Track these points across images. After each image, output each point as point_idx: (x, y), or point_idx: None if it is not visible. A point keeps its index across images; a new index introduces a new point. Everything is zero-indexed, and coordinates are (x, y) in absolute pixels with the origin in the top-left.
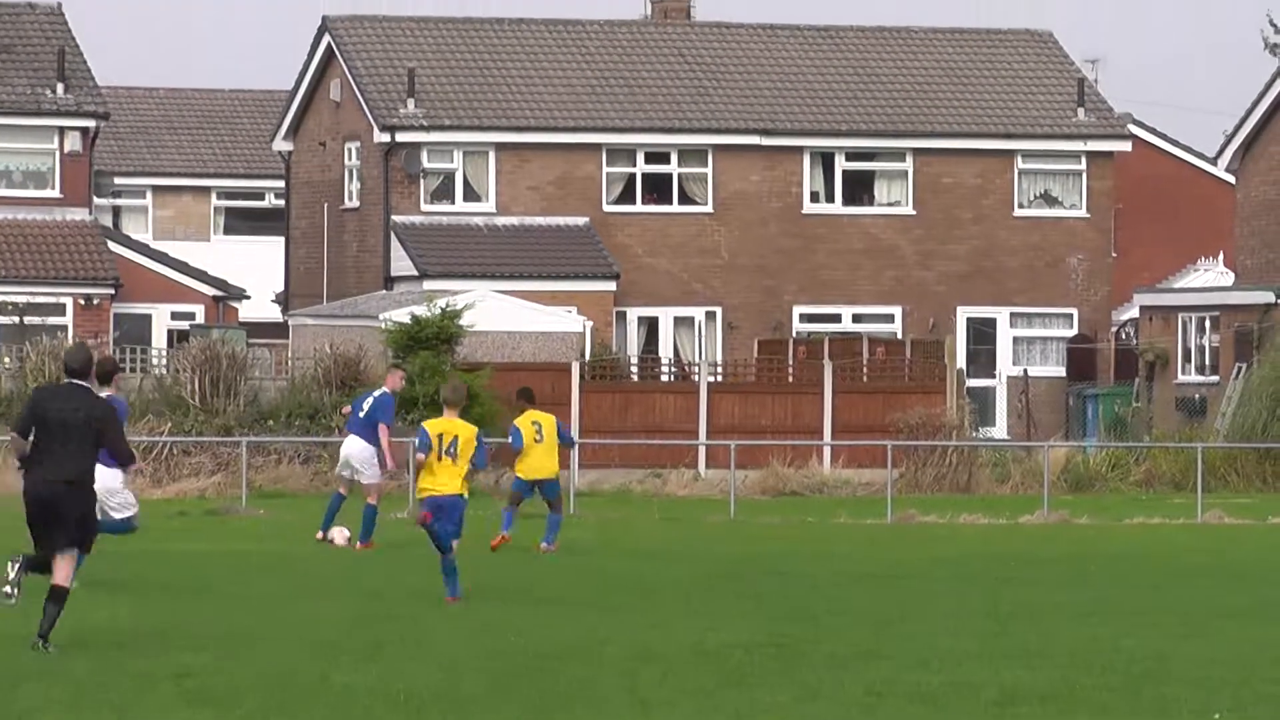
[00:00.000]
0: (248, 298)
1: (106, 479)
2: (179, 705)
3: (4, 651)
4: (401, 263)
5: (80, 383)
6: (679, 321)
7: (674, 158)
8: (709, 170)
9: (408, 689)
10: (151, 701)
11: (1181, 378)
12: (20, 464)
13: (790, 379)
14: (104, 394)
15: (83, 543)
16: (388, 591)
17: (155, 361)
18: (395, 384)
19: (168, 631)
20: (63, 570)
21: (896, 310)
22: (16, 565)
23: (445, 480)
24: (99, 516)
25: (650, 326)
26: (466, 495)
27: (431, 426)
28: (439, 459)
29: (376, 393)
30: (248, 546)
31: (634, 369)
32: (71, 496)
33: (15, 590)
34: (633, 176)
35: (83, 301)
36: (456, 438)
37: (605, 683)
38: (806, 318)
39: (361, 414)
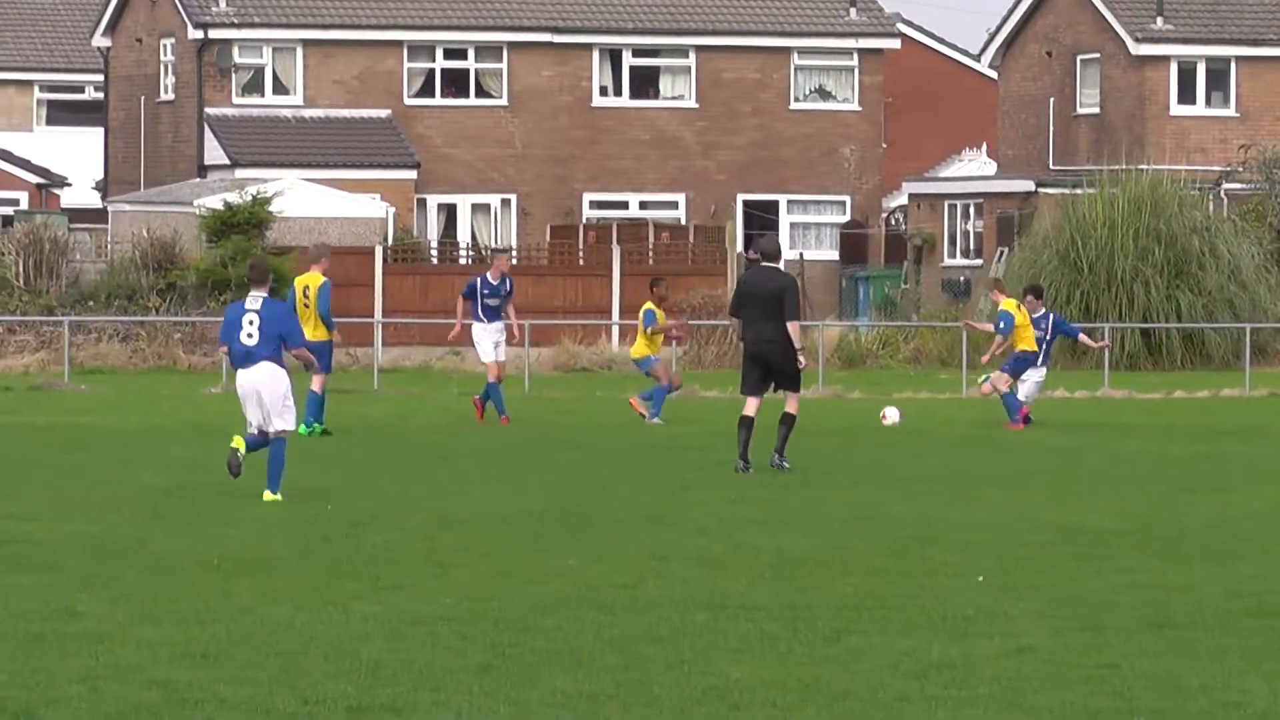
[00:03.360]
0: (69, 185)
1: None
2: (2, 570)
3: None
4: (214, 152)
5: (772, 265)
6: (476, 208)
7: (471, 54)
8: (504, 66)
9: (221, 553)
10: None
11: (947, 261)
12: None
13: (581, 262)
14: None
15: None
16: (205, 462)
17: None
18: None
19: None
20: (792, 403)
21: (680, 197)
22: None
23: None
24: None
25: (449, 213)
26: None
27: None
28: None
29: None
30: (70, 420)
31: (434, 253)
32: (774, 351)
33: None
34: (432, 72)
35: None
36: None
37: (407, 546)
38: (596, 204)
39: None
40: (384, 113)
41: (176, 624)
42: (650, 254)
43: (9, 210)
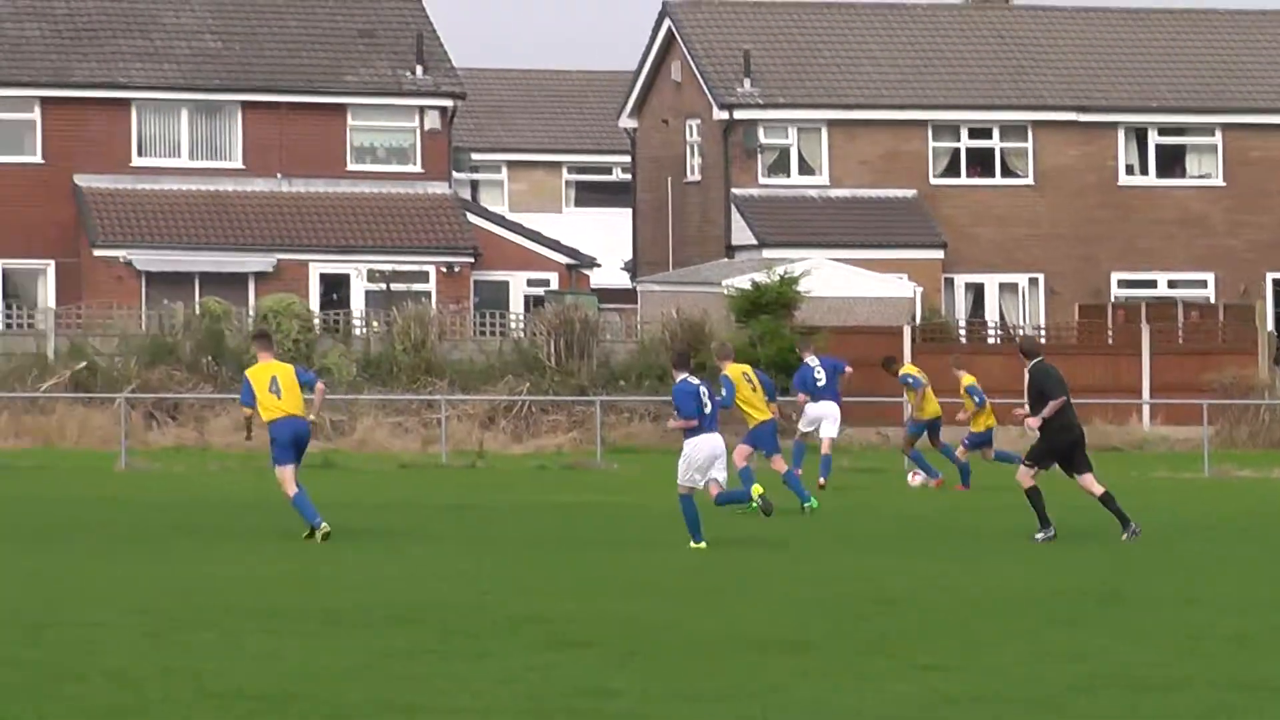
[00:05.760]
0: (598, 266)
1: None
2: (541, 648)
3: (379, 594)
4: (742, 232)
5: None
6: (1003, 287)
7: (996, 133)
8: (1029, 145)
9: (754, 631)
10: (515, 644)
11: None
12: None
13: (1109, 341)
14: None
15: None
16: (736, 540)
17: (513, 326)
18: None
19: (529, 579)
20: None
21: (1209, 276)
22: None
23: None
24: None
25: (977, 292)
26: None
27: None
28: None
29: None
30: (603, 499)
31: (962, 332)
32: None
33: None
34: (957, 151)
35: (445, 269)
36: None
37: (940, 624)
38: (1124, 283)
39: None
40: (909, 192)
41: (711, 701)
42: (1180, 333)
43: (540, 291)
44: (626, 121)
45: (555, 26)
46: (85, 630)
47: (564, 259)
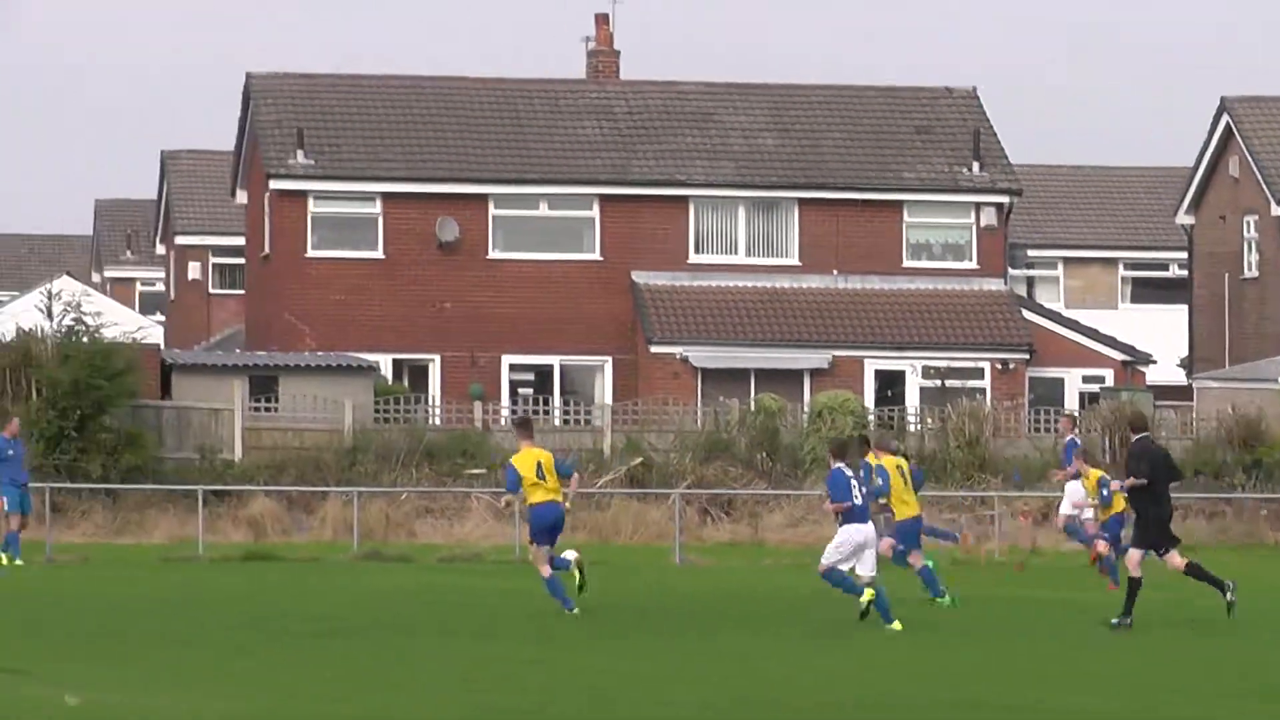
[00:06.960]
0: (1154, 362)
1: None
2: None
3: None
4: None
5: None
6: None
7: None
8: None
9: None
10: None
11: None
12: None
13: None
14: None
15: None
16: (1182, 618)
17: None
18: None
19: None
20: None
21: None
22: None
23: None
24: None
25: None
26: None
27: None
28: None
29: None
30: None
31: None
32: None
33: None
34: None
35: (999, 366)
36: None
37: None
38: None
39: None
40: None
41: None
42: None
43: (1095, 388)
44: (1183, 217)
45: (1110, 122)
46: None
47: (1119, 355)
